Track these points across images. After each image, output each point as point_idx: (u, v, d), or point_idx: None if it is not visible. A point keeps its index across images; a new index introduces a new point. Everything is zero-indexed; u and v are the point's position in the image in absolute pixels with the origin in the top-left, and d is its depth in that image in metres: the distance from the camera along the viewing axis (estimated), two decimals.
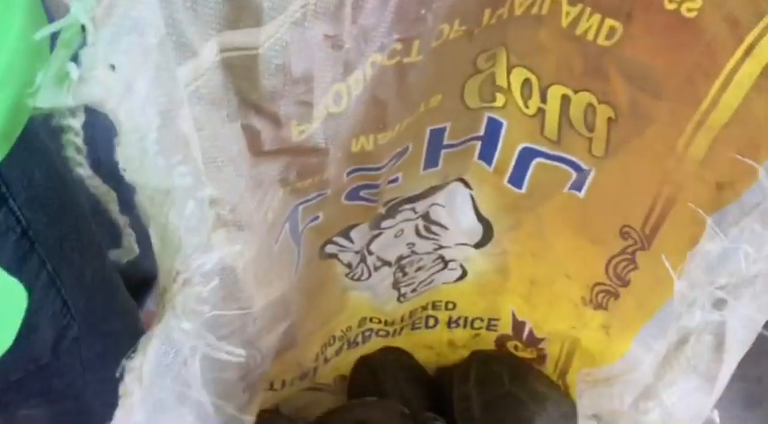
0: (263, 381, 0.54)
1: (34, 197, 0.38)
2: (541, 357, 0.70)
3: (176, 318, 0.30)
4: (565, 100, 0.47)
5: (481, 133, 0.52)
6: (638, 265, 0.52)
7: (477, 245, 0.62)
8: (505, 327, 0.69)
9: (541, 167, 0.52)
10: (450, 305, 0.68)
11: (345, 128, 0.42)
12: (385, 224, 0.56)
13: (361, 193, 0.50)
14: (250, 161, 0.38)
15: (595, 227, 0.54)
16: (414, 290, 0.65)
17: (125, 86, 0.23)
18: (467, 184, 0.57)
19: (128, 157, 0.24)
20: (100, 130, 0.26)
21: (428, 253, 0.62)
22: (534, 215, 0.57)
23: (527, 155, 0.52)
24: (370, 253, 0.58)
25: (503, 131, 0.51)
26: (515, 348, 0.71)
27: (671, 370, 0.42)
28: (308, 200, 0.47)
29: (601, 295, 0.57)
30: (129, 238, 0.26)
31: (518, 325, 0.68)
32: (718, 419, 0.43)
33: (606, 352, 0.60)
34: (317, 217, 0.50)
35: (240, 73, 0.33)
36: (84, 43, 0.22)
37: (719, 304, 0.39)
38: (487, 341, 0.72)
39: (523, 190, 0.54)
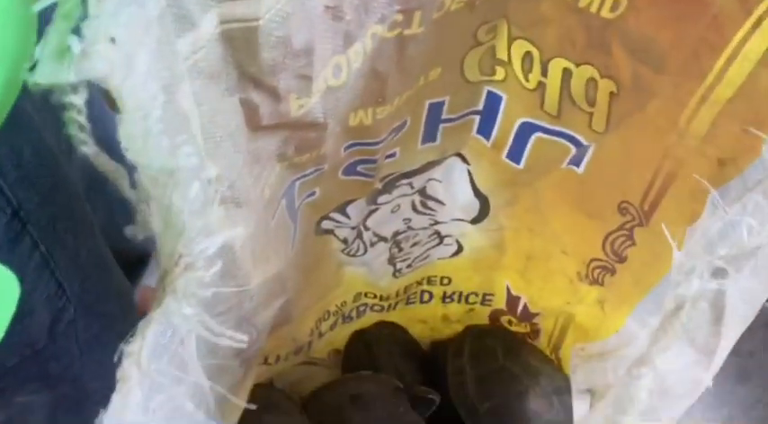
0: (258, 356, 0.54)
1: (25, 176, 0.36)
2: (535, 332, 0.70)
3: (177, 302, 0.29)
4: (566, 73, 0.46)
5: (480, 107, 0.51)
6: (635, 241, 0.52)
7: (474, 221, 0.61)
8: (500, 302, 0.69)
9: (540, 142, 0.51)
10: (446, 280, 0.68)
11: (344, 101, 0.41)
12: (381, 199, 0.56)
13: (359, 168, 0.49)
14: (248, 136, 0.37)
15: (593, 203, 0.53)
16: (409, 266, 0.65)
17: (127, 61, 0.22)
18: (464, 159, 0.56)
19: (130, 136, 0.23)
20: (96, 108, 0.25)
21: (424, 229, 0.61)
22: (532, 190, 0.56)
23: (526, 130, 0.51)
24: (367, 229, 0.58)
25: (502, 105, 0.51)
26: (509, 322, 0.71)
27: (665, 336, 0.42)
28: (305, 176, 0.46)
29: (597, 271, 0.57)
30: (144, 214, 0.25)
31: (512, 300, 0.68)
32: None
33: (601, 327, 0.60)
34: (313, 193, 0.49)
35: (240, 45, 0.32)
36: (83, 16, 0.20)
37: (719, 273, 0.39)
38: (482, 316, 0.72)
39: (521, 166, 0.54)
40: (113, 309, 0.49)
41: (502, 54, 0.47)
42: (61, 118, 0.22)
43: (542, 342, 0.70)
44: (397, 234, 0.60)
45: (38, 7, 0.20)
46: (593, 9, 0.43)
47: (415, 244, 0.62)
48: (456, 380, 0.67)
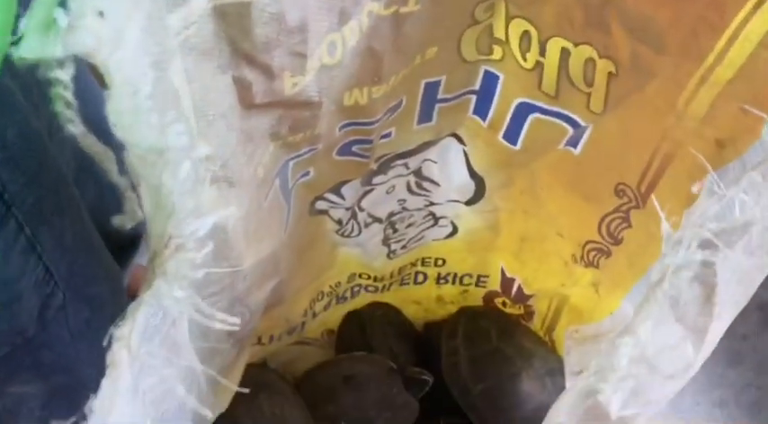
0: (252, 336, 0.54)
1: (9, 157, 0.35)
2: (529, 314, 0.70)
3: (168, 284, 0.28)
4: (564, 53, 0.46)
5: (477, 87, 0.51)
6: (631, 223, 0.52)
7: (469, 202, 0.61)
8: (494, 283, 0.69)
9: (537, 123, 0.51)
10: (440, 262, 0.67)
11: (339, 80, 0.40)
12: (376, 180, 0.55)
13: (354, 148, 0.49)
14: (241, 114, 0.37)
15: (590, 185, 0.53)
16: (404, 247, 0.64)
17: (115, 35, 0.21)
18: (460, 140, 0.55)
19: (119, 112, 0.22)
20: (85, 84, 0.24)
21: (419, 210, 0.61)
22: (528, 171, 0.56)
23: (523, 110, 0.51)
24: (361, 210, 0.57)
25: (499, 85, 0.50)
26: (503, 304, 0.71)
27: (647, 304, 0.41)
28: (299, 155, 0.45)
29: (592, 254, 0.57)
30: (132, 202, 0.24)
31: (507, 282, 0.68)
32: None
33: (595, 310, 0.60)
34: (307, 173, 0.49)
35: (233, 21, 0.31)
36: None
37: (706, 244, 0.38)
38: (476, 297, 0.72)
39: (518, 147, 0.53)
40: (103, 292, 0.49)
41: (499, 33, 0.47)
42: (48, 96, 0.21)
43: (536, 324, 0.70)
44: (391, 214, 0.60)
45: None
46: None
47: (409, 225, 0.62)
48: (449, 361, 0.67)
